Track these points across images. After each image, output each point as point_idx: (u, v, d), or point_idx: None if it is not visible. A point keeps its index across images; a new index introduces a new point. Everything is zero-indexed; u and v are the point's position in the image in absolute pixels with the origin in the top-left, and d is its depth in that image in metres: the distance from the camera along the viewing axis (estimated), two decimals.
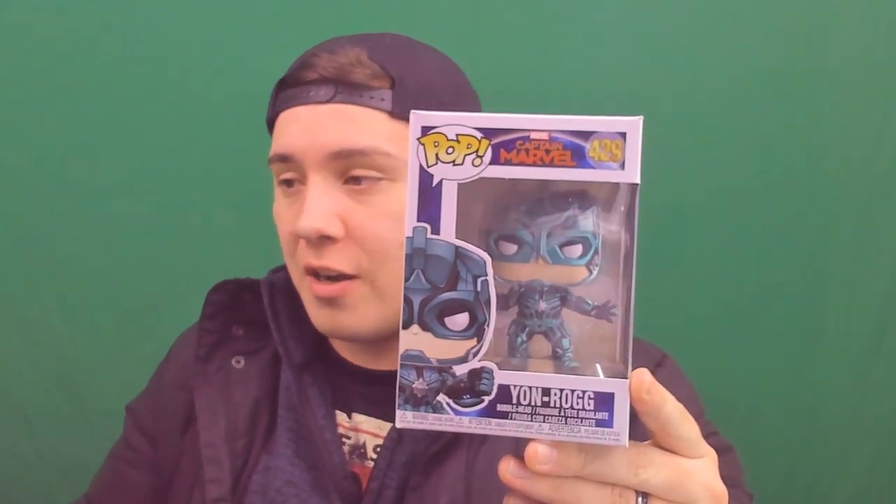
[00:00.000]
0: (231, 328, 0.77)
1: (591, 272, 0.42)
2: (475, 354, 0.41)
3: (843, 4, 1.14)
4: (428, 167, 0.41)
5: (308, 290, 0.69)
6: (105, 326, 1.28)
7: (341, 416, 0.74)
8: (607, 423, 0.40)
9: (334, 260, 0.66)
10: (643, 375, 0.41)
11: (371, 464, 0.71)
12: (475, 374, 0.41)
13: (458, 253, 0.41)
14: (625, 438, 0.40)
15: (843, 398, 1.21)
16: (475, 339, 0.41)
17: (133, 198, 1.25)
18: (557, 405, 0.40)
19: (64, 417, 1.30)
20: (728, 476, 0.69)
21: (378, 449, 0.71)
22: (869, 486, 1.22)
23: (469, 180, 0.41)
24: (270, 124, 0.71)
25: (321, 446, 0.70)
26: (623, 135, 0.39)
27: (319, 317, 0.69)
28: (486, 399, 0.41)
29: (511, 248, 0.42)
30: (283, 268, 0.74)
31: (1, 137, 1.25)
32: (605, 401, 0.40)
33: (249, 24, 1.20)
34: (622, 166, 0.39)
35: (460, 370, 0.41)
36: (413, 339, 0.42)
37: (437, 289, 0.41)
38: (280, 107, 0.68)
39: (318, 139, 0.65)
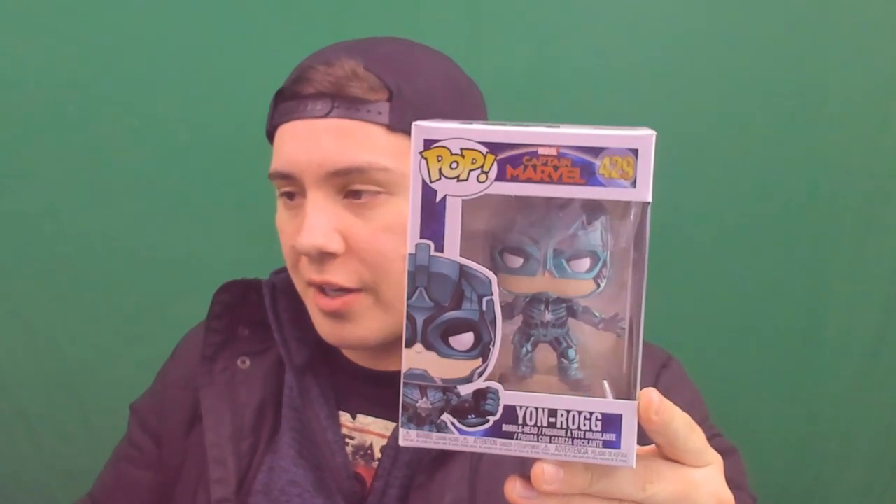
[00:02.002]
0: (237, 328, 0.77)
1: (598, 285, 0.41)
2: (480, 374, 0.40)
3: (843, 5, 1.14)
4: (431, 182, 0.39)
5: (312, 302, 0.69)
6: (105, 326, 1.28)
7: (345, 417, 0.74)
8: (615, 445, 0.39)
9: (336, 275, 0.66)
10: (651, 396, 0.40)
11: (377, 464, 0.71)
12: (480, 395, 0.41)
13: (463, 271, 0.40)
14: (632, 459, 0.39)
15: (843, 398, 1.21)
16: (480, 358, 0.40)
17: (133, 198, 1.25)
18: (564, 426, 0.40)
19: (64, 417, 1.30)
20: (732, 478, 0.69)
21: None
22: (869, 486, 1.22)
23: (473, 197, 0.39)
24: (270, 136, 0.71)
25: (324, 447, 0.71)
26: (635, 151, 0.37)
27: (325, 328, 0.69)
28: (492, 419, 0.41)
29: (517, 262, 0.41)
30: (286, 269, 0.74)
31: (1, 137, 1.24)
32: (612, 422, 0.39)
33: (250, 24, 1.20)
34: (634, 184, 0.38)
35: (465, 390, 0.41)
36: (416, 358, 0.41)
37: (441, 308, 0.40)
38: (278, 120, 0.68)
39: (315, 157, 0.65)
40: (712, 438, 0.71)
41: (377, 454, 0.72)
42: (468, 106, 0.70)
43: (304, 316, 0.72)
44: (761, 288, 1.20)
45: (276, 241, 0.73)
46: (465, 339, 0.40)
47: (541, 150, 0.38)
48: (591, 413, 0.39)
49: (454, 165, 0.39)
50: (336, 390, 0.75)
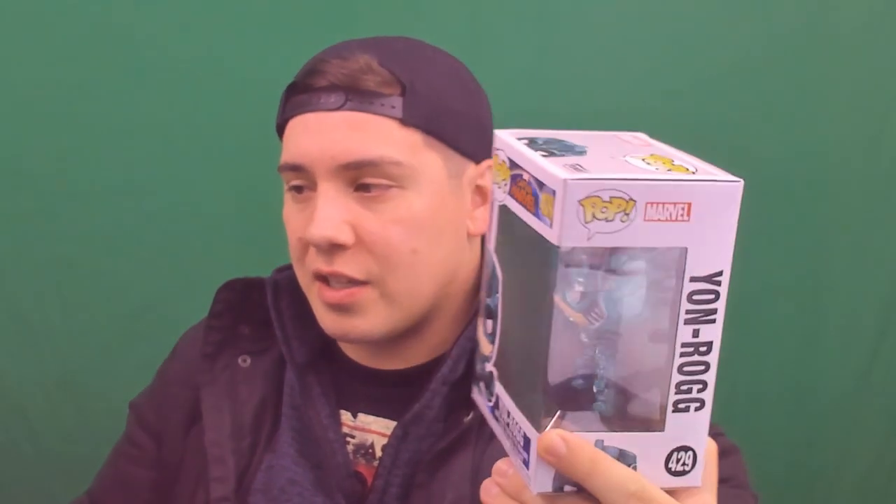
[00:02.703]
0: (238, 327, 0.77)
1: (590, 322, 0.38)
2: (491, 359, 0.43)
3: (843, 4, 1.14)
4: (494, 182, 0.43)
5: (317, 296, 0.69)
6: (105, 326, 1.28)
7: (345, 416, 0.74)
8: (527, 465, 0.39)
9: (345, 266, 0.66)
10: (550, 437, 0.37)
11: (378, 463, 0.71)
12: (490, 376, 0.43)
13: (494, 266, 0.43)
14: (535, 486, 0.38)
15: (843, 398, 1.21)
16: (492, 345, 0.43)
17: (133, 198, 1.25)
18: (511, 431, 0.41)
19: (64, 417, 1.30)
20: (733, 477, 0.69)
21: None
22: (869, 485, 1.23)
23: (500, 204, 0.41)
24: (280, 130, 0.71)
25: (325, 445, 0.71)
26: (553, 192, 0.36)
27: (328, 322, 0.69)
28: (493, 400, 0.43)
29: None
30: (288, 267, 0.74)
31: (1, 137, 1.25)
32: (527, 444, 0.39)
33: (251, 24, 1.20)
34: (551, 224, 0.36)
35: (487, 367, 0.44)
36: (480, 329, 0.45)
37: (487, 290, 0.44)
38: (290, 113, 0.68)
39: (328, 149, 0.65)
40: (714, 437, 0.71)
41: (378, 453, 0.72)
42: (477, 106, 0.71)
43: (306, 314, 0.72)
44: (761, 287, 1.20)
45: (277, 242, 0.72)
46: (489, 325, 0.43)
47: (524, 175, 0.39)
48: (520, 429, 0.40)
49: (497, 173, 0.42)
50: (337, 389, 0.75)
